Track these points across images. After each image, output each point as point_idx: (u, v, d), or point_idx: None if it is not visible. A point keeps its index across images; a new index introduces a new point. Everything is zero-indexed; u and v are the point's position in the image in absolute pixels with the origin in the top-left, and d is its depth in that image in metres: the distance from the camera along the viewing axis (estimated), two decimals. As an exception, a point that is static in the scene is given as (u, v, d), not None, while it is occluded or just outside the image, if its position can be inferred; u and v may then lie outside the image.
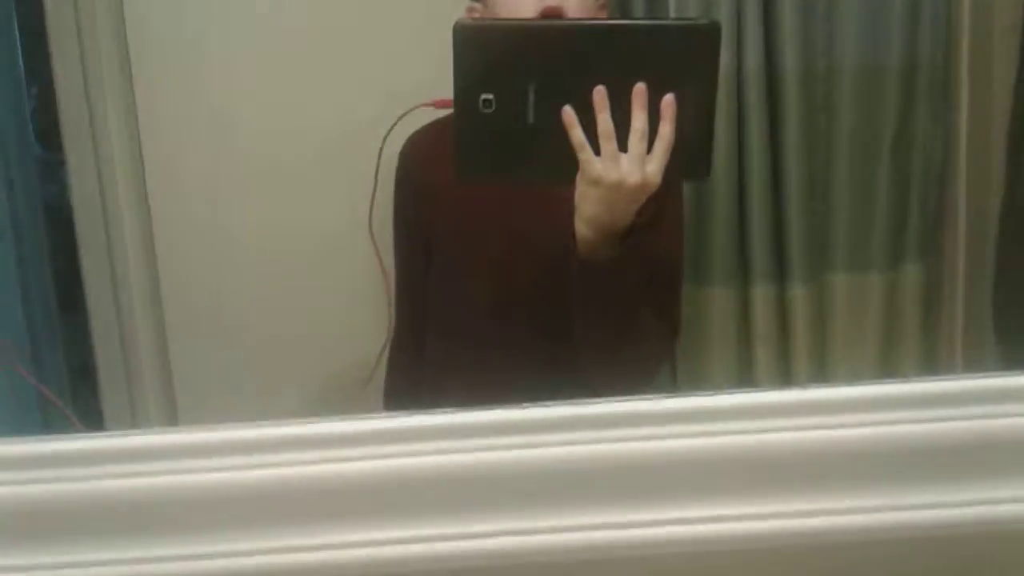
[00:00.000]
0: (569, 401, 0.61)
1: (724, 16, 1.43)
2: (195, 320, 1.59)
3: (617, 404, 0.60)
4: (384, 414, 0.59)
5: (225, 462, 0.57)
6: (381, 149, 1.03)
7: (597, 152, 0.83)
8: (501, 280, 1.12)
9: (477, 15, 1.12)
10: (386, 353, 1.24)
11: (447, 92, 0.85)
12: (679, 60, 0.81)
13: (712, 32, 0.81)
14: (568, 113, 0.82)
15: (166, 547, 0.57)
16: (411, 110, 0.99)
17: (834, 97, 1.51)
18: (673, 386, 1.58)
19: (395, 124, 1.00)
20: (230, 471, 0.57)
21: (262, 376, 1.59)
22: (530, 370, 1.09)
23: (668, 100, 0.81)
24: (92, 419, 1.56)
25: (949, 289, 1.63)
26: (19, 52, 2.67)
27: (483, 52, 0.81)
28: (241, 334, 1.58)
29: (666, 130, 0.82)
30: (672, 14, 1.43)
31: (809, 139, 1.50)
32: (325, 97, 1.51)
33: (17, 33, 2.64)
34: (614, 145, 0.83)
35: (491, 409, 0.60)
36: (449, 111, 0.98)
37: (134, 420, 1.63)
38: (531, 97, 0.81)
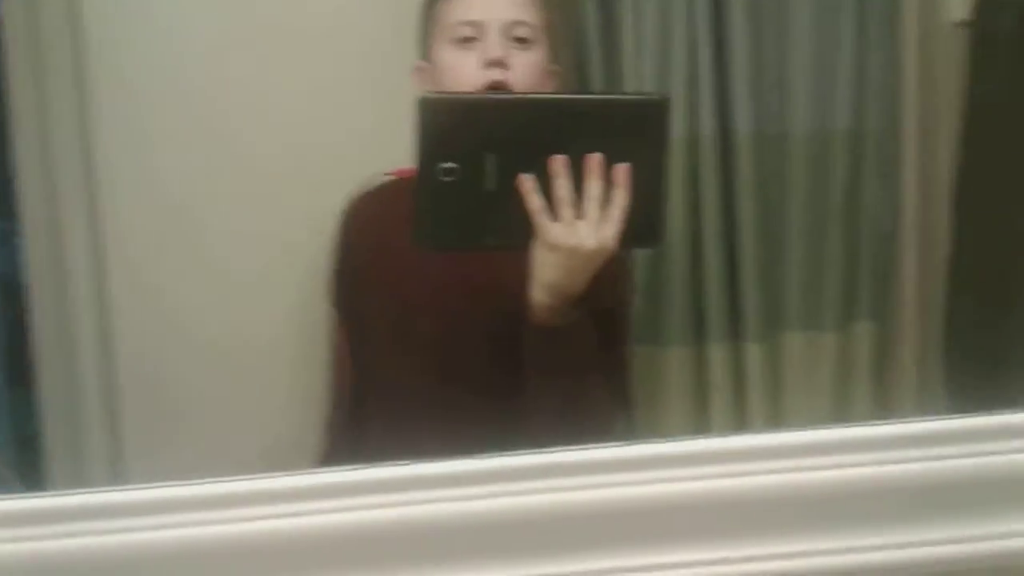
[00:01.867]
0: (524, 451, 0.61)
1: (678, 82, 1.47)
2: (147, 374, 1.57)
3: (573, 452, 0.61)
4: (340, 467, 0.58)
5: (169, 520, 0.56)
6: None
7: (554, 218, 0.85)
8: (449, 344, 1.11)
9: (425, 75, 1.14)
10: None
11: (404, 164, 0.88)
12: (631, 132, 0.85)
13: (662, 105, 0.85)
14: (525, 180, 0.84)
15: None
16: (371, 179, 1.00)
17: (786, 162, 1.54)
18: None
19: (356, 193, 1.01)
20: (174, 528, 0.56)
21: (214, 440, 1.57)
22: (478, 434, 1.05)
23: (622, 168, 0.84)
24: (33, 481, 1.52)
25: (901, 347, 1.66)
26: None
27: (445, 124, 0.84)
28: (194, 400, 1.56)
29: (620, 196, 0.85)
30: (627, 81, 1.47)
31: (762, 203, 1.53)
32: (285, 169, 1.51)
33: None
34: (571, 211, 0.85)
35: (445, 460, 0.60)
36: (391, 177, 1.00)
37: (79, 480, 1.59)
38: (490, 166, 0.84)
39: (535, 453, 0.61)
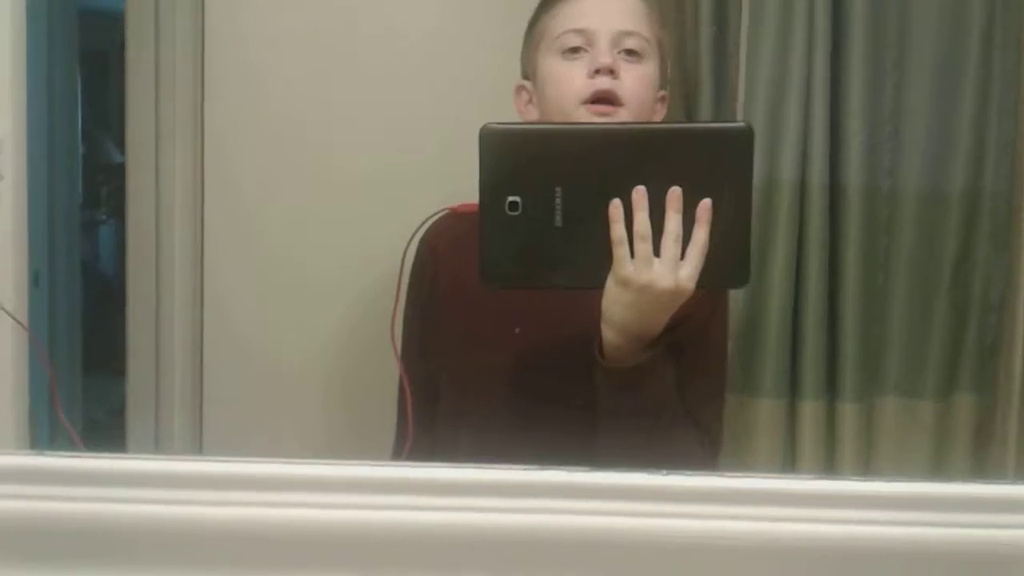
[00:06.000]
0: (603, 469, 0.58)
1: (791, 130, 1.44)
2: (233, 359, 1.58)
3: (656, 478, 0.57)
4: (409, 463, 0.55)
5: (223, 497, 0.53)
6: (404, 253, 0.99)
7: (630, 254, 0.82)
8: (520, 387, 1.06)
9: (527, 94, 1.11)
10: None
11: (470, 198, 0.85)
12: (712, 164, 0.80)
13: (745, 135, 0.81)
14: (615, 207, 0.80)
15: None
16: (435, 215, 0.96)
17: (897, 219, 1.50)
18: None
19: (419, 228, 0.98)
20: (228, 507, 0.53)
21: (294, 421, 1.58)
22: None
23: (704, 204, 0.80)
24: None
25: (1001, 423, 1.59)
26: (79, 114, 2.76)
27: (510, 155, 0.81)
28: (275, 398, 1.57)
29: (701, 235, 0.80)
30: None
31: (869, 258, 1.49)
32: (353, 207, 1.54)
33: (79, 96, 2.73)
34: (649, 247, 0.81)
35: (529, 469, 0.57)
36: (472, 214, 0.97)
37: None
38: (558, 200, 0.81)
39: (614, 473, 0.58)
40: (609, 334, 0.88)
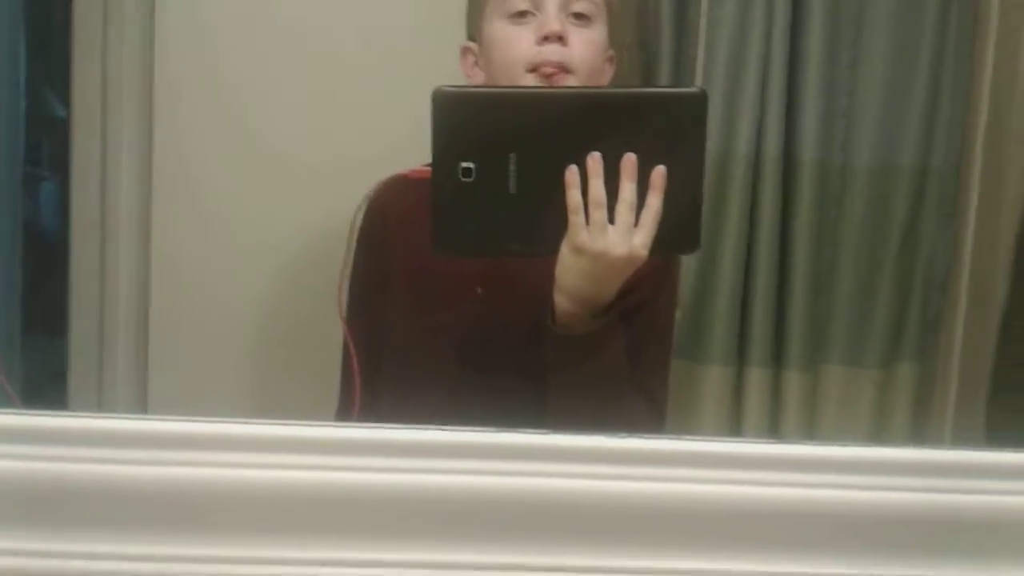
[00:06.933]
0: (558, 432, 0.58)
1: (748, 103, 1.46)
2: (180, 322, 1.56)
3: (610, 440, 0.57)
4: (366, 424, 0.55)
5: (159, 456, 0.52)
6: (354, 220, 0.97)
7: (584, 221, 0.81)
8: (470, 351, 1.06)
9: (472, 56, 1.08)
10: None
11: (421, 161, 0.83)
12: (666, 129, 0.80)
13: (699, 100, 0.80)
14: (572, 172, 0.79)
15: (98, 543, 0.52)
16: (385, 181, 0.90)
17: (847, 193, 1.52)
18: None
19: (370, 193, 0.93)
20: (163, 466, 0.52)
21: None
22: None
23: (659, 171, 0.79)
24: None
25: (941, 392, 1.63)
26: (22, 67, 2.68)
27: (463, 120, 0.80)
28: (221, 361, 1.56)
29: (655, 202, 0.80)
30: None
31: (818, 231, 1.51)
32: (303, 169, 1.51)
33: (23, 49, 2.64)
34: (603, 214, 0.80)
35: (493, 432, 0.58)
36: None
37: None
38: (512, 166, 0.80)
39: (568, 436, 0.58)
40: (562, 301, 0.88)
